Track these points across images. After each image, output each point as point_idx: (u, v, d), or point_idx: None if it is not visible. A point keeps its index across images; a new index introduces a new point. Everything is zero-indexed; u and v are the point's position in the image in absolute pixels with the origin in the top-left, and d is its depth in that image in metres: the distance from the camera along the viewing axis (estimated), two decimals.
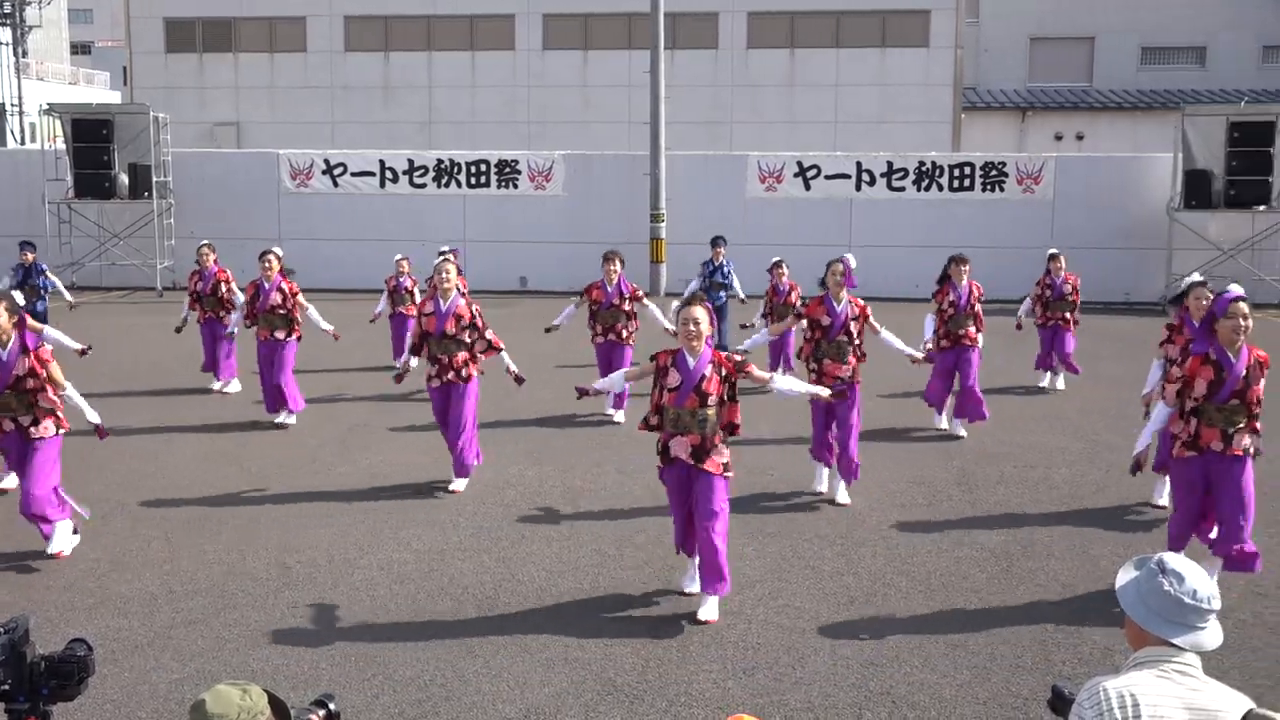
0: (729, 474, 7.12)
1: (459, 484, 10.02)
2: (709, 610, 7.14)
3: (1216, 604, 3.26)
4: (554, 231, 24.84)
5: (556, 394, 14.17)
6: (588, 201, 25.04)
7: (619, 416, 12.75)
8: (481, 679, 6.33)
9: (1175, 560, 3.31)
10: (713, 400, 6.92)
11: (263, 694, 2.89)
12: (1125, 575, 3.38)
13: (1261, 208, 22.83)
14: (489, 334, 9.91)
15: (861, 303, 9.69)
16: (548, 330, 13.55)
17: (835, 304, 9.56)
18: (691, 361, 6.95)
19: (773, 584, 7.83)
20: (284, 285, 12.54)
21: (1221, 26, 38.52)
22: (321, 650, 6.70)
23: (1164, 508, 9.45)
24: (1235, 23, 38.38)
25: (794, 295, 14.62)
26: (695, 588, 7.37)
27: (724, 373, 6.97)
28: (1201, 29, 38.74)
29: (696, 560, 7.35)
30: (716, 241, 16.58)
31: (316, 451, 11.50)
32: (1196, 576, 3.26)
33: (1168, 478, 9.44)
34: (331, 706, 3.22)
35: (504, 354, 9.94)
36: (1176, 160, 23.24)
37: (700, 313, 6.97)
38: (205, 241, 14.85)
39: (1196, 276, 9.54)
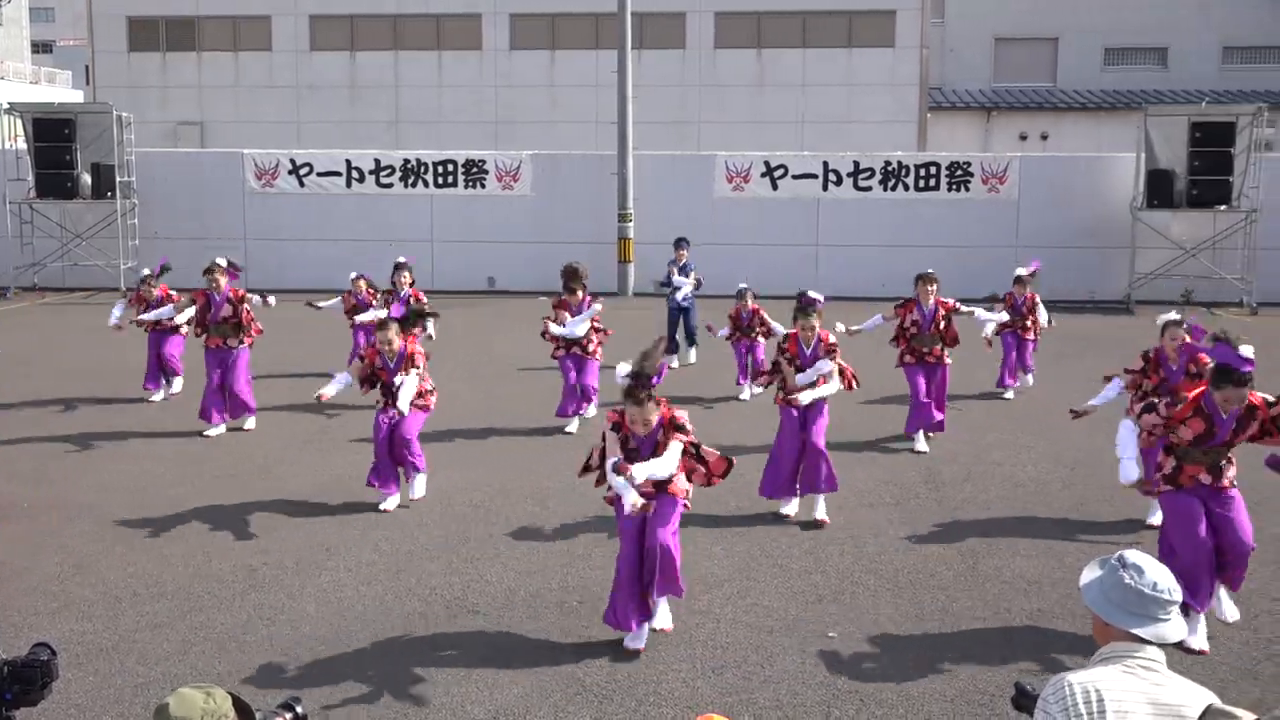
0: (688, 502, 6.87)
1: (418, 487, 9.71)
2: (664, 617, 6.98)
3: (1178, 595, 3.32)
4: (522, 231, 24.79)
5: (524, 395, 14.15)
6: (555, 201, 25.00)
7: (571, 427, 12.50)
8: (450, 680, 6.32)
9: (1135, 555, 3.39)
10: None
11: (226, 697, 2.88)
12: (1089, 574, 3.44)
13: (1222, 207, 23.05)
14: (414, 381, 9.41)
15: (830, 340, 9.55)
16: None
17: (805, 347, 9.56)
18: (643, 432, 6.67)
19: (741, 583, 7.84)
20: (231, 295, 12.33)
21: (1183, 28, 38.88)
22: (288, 653, 6.67)
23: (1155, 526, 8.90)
24: (1196, 24, 38.75)
25: (756, 319, 14.52)
26: (641, 643, 6.81)
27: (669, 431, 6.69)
28: (1163, 30, 39.08)
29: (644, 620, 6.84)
30: (680, 244, 16.65)
31: (281, 455, 11.44)
32: (1156, 569, 3.34)
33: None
34: (298, 709, 3.21)
35: (404, 393, 9.33)
36: (1139, 160, 23.43)
37: (651, 409, 6.56)
38: (147, 272, 14.29)
39: (1173, 315, 9.33)
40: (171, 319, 13.53)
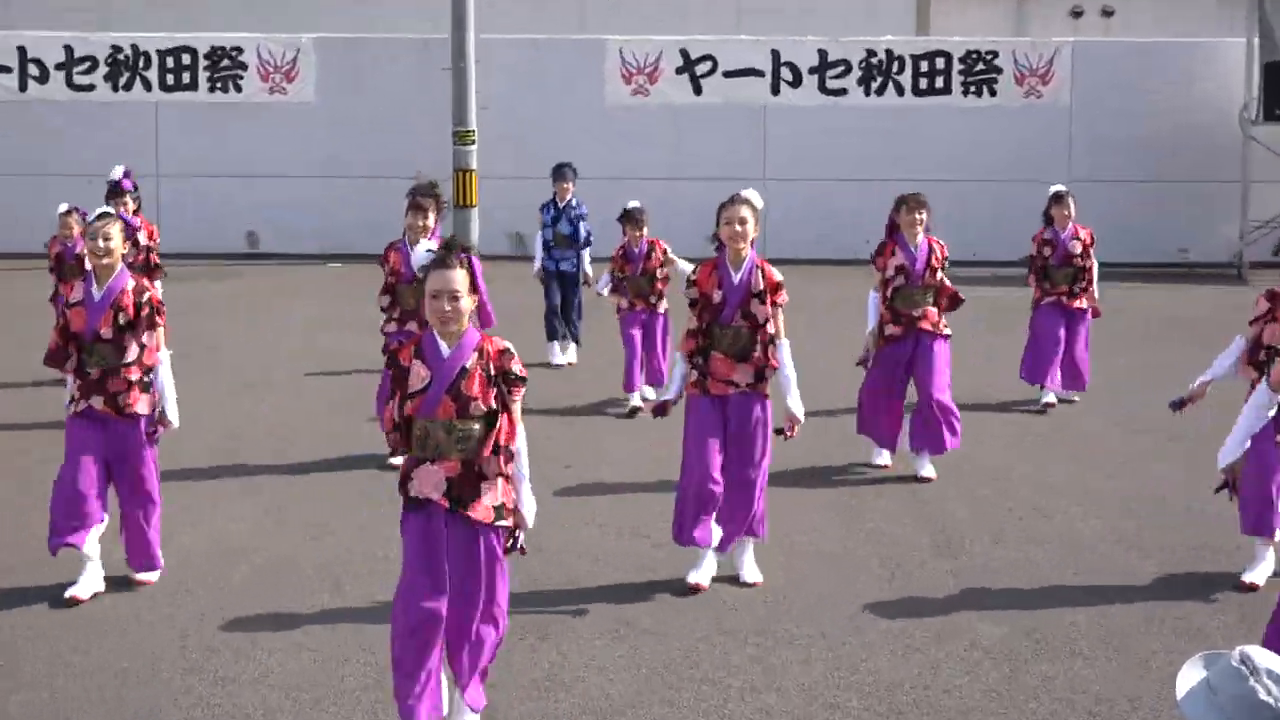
0: (506, 523, 6.78)
1: (150, 574, 9.51)
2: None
3: None
4: (301, 161, 24.60)
5: (317, 412, 14.03)
6: (354, 114, 24.85)
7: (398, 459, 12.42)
8: None
9: (1264, 654, 3.35)
10: (477, 408, 6.61)
11: None
12: (1191, 676, 3.44)
13: None
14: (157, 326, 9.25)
15: (776, 276, 9.23)
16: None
17: (731, 271, 9.20)
18: (445, 349, 6.64)
19: (649, 711, 7.72)
20: None
21: None
22: None
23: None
24: None
25: (655, 258, 14.44)
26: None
27: (493, 370, 6.66)
28: None
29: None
30: (562, 173, 16.56)
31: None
32: None
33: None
34: None
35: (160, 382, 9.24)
36: (1252, 48, 23.89)
37: (459, 277, 6.61)
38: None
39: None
40: None
